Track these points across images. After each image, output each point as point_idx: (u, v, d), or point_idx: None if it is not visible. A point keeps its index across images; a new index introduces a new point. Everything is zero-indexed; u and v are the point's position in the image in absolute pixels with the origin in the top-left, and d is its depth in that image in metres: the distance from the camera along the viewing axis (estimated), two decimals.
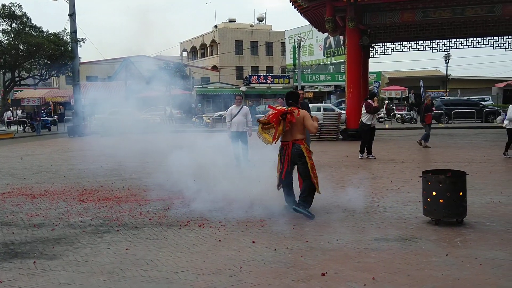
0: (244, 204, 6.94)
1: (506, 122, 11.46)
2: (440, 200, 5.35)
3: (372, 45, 21.42)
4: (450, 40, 21.99)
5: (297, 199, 6.29)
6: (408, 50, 22.42)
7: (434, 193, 5.40)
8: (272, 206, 6.66)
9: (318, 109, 27.63)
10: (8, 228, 5.82)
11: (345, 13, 16.84)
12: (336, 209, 6.46)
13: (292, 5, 17.09)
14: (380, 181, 8.59)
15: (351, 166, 10.83)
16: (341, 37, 43.89)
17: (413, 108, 31.94)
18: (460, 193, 5.38)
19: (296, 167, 6.36)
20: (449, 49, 22.53)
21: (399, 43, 22.03)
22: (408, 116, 28.83)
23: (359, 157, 12.02)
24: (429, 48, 22.44)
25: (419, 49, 22.59)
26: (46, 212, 6.66)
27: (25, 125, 30.26)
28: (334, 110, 25.64)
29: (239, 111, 10.83)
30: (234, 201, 7.13)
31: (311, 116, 6.56)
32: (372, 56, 22.03)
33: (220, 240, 5.11)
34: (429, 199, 5.48)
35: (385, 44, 21.96)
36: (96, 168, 11.52)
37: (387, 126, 26.17)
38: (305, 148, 6.16)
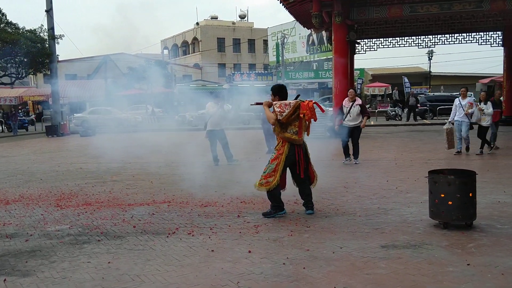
0: (234, 207, 6.51)
1: (487, 118, 11.30)
2: (449, 202, 4.98)
3: (358, 41, 21.16)
4: (436, 36, 21.91)
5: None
6: (394, 46, 22.27)
7: (442, 195, 5.03)
8: (264, 208, 6.23)
9: None
10: None
11: (331, 8, 16.47)
12: (334, 212, 6.06)
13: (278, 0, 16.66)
14: (376, 181, 8.22)
15: (342, 165, 10.45)
16: (325, 34, 43.66)
17: (398, 104, 31.87)
18: (470, 194, 5.02)
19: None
20: (434, 45, 22.49)
21: (385, 39, 21.84)
22: (393, 112, 28.68)
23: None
24: (415, 44, 22.36)
25: (405, 45, 22.49)
26: (20, 220, 6.10)
27: (1, 125, 29.26)
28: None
29: (216, 110, 10.70)
30: (223, 204, 6.70)
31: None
32: (357, 52, 21.79)
33: (212, 250, 4.65)
34: (436, 201, 5.11)
35: (371, 40, 21.74)
36: (75, 170, 10.92)
37: (372, 123, 25.95)
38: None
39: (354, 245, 4.66)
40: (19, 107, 42.97)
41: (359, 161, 10.46)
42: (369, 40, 21.62)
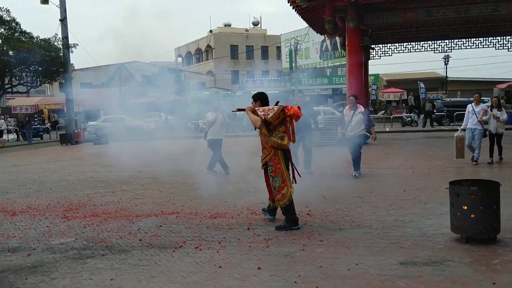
0: (245, 218, 6.27)
1: (503, 125, 10.83)
2: (472, 215, 4.68)
3: (372, 46, 20.85)
4: (452, 40, 21.48)
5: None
6: (409, 51, 21.91)
7: (464, 207, 4.73)
8: (275, 220, 5.98)
9: (317, 113, 26.94)
10: None
11: (345, 13, 16.22)
12: (349, 224, 5.77)
13: (291, 5, 16.43)
14: (392, 190, 7.91)
15: None
16: (338, 40, 43.39)
17: (414, 110, 31.36)
18: (494, 207, 4.71)
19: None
20: (451, 49, 22.01)
21: (400, 44, 21.50)
22: (409, 118, 28.20)
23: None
24: (430, 49, 21.93)
25: (421, 50, 22.09)
26: (24, 233, 5.94)
27: (16, 133, 29.47)
28: (334, 114, 24.99)
29: (216, 119, 10.72)
30: (233, 215, 6.47)
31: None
32: (372, 57, 21.46)
33: (220, 266, 4.41)
34: (458, 214, 4.81)
35: (386, 45, 21.41)
36: (85, 179, 10.80)
37: (387, 129, 25.54)
38: None
39: (370, 261, 4.38)
40: (35, 116, 43.44)
41: (359, 174, 9.39)
42: (383, 45, 21.29)
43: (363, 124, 9.44)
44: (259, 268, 4.31)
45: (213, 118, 10.74)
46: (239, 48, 55.64)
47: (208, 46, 56.21)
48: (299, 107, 5.83)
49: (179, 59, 63.51)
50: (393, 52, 21.64)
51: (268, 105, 5.97)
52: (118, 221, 6.39)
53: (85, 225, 6.22)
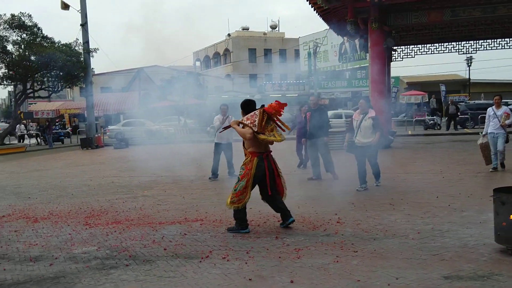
0: (271, 226, 6.02)
1: None
2: None
3: (394, 48, 20.43)
4: (477, 41, 20.92)
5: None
6: (432, 52, 21.38)
7: (511, 217, 4.40)
8: (304, 229, 5.72)
9: (339, 116, 26.62)
10: None
11: (367, 14, 15.87)
12: (383, 233, 5.48)
13: (312, 7, 16.17)
14: (424, 197, 7.57)
15: (384, 178, 9.77)
16: (357, 42, 42.90)
17: (436, 113, 30.73)
18: None
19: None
20: (476, 50, 21.40)
21: (423, 45, 21.02)
22: (432, 121, 27.59)
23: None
24: (455, 50, 21.40)
25: (444, 51, 21.56)
26: (46, 241, 5.79)
27: (37, 138, 29.75)
28: None
29: (223, 122, 10.32)
30: (259, 223, 6.23)
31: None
32: (394, 59, 21.02)
33: (250, 279, 4.17)
34: (504, 224, 4.48)
35: (408, 46, 20.95)
36: (106, 184, 10.69)
37: (410, 132, 25.03)
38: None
39: (411, 275, 4.09)
40: (56, 120, 43.94)
41: (380, 183, 8.72)
42: (406, 46, 20.83)
43: (374, 130, 8.37)
44: (292, 282, 4.05)
45: (219, 122, 10.42)
46: (257, 52, 55.50)
47: (226, 49, 56.22)
48: (278, 102, 5.90)
49: (198, 63, 63.67)
50: (416, 53, 21.15)
51: (254, 110, 5.95)
52: (141, 229, 6.20)
53: (107, 233, 6.05)
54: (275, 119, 5.87)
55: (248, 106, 6.08)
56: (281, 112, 5.90)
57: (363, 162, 8.48)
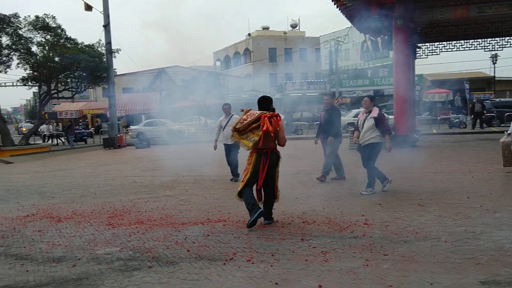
0: (296, 227, 5.87)
1: None
2: None
3: (418, 45, 20.01)
4: (504, 38, 20.33)
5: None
6: (457, 49, 20.88)
7: None
8: (330, 230, 5.55)
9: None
10: (22, 264, 4.91)
11: (392, 10, 15.55)
12: (413, 236, 5.26)
13: (334, 4, 15.92)
14: (454, 197, 7.31)
15: (411, 178, 9.54)
16: (380, 40, 42.26)
17: (462, 111, 30.06)
18: None
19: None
20: (502, 47, 20.79)
21: (448, 42, 20.54)
22: (457, 120, 26.98)
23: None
24: (481, 47, 20.81)
25: (470, 48, 21.01)
26: (69, 241, 5.75)
27: (61, 138, 30.13)
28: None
29: (227, 122, 10.13)
30: (283, 224, 6.08)
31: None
32: (419, 56, 20.59)
33: (276, 283, 4.02)
34: None
35: (433, 43, 20.50)
36: (129, 184, 10.68)
37: (434, 131, 24.53)
38: (280, 157, 6.19)
39: (446, 280, 3.88)
40: (80, 120, 44.57)
41: (369, 192, 7.88)
42: (431, 43, 20.38)
43: (376, 131, 7.89)
44: (320, 287, 3.89)
45: (224, 122, 10.20)
46: (278, 51, 55.27)
47: (247, 49, 56.16)
48: (275, 120, 5.92)
49: (218, 63, 63.81)
50: (441, 50, 20.71)
51: (268, 109, 6.16)
52: (164, 229, 6.12)
53: (130, 233, 5.98)
54: (261, 131, 5.87)
55: (261, 102, 6.24)
56: (267, 130, 5.85)
57: (367, 162, 8.07)
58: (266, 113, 5.98)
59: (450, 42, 20.62)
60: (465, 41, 20.71)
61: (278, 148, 6.23)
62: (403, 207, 6.74)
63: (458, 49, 20.88)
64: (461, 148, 15.34)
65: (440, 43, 20.40)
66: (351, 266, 4.35)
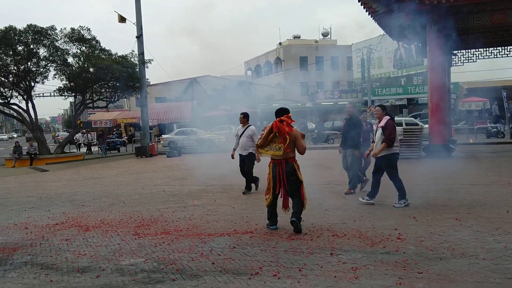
0: (325, 241, 5.65)
1: None
2: None
3: (454, 52, 19.45)
4: None
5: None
6: (495, 56, 20.18)
7: None
8: (361, 245, 5.31)
9: (398, 124, 25.70)
10: (47, 273, 4.90)
11: (426, 17, 15.14)
12: (450, 252, 4.97)
13: (366, 11, 15.67)
14: (493, 211, 6.93)
15: (447, 190, 9.15)
16: (413, 47, 41.40)
17: (500, 120, 29.04)
18: None
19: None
20: None
21: (485, 49, 19.86)
22: (495, 129, 26.06)
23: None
24: None
25: (508, 55, 20.27)
26: (95, 251, 5.72)
27: (93, 147, 30.73)
28: (417, 125, 23.65)
29: (243, 132, 9.87)
30: (312, 237, 5.87)
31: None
32: (454, 64, 20.00)
33: None
34: None
35: (469, 50, 19.87)
36: (158, 193, 10.69)
37: (471, 141, 23.73)
38: (297, 166, 6.33)
39: None
40: (114, 129, 45.49)
41: (402, 204, 7.62)
42: (467, 50, 19.76)
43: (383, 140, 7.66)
44: None
45: (240, 132, 9.96)
46: (309, 59, 55.03)
47: (278, 58, 56.15)
48: (284, 123, 6.20)
49: (249, 72, 64.07)
50: (477, 58, 20.04)
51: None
52: (190, 240, 6.02)
53: (156, 244, 5.91)
54: (278, 133, 6.19)
55: (278, 114, 6.42)
56: (282, 133, 6.16)
57: (388, 175, 7.81)
58: (275, 122, 6.25)
59: (487, 49, 19.95)
60: (503, 47, 20.00)
61: (300, 157, 6.39)
62: (439, 221, 6.43)
63: (495, 56, 20.18)
64: (499, 159, 14.72)
65: (477, 50, 19.75)
66: (383, 284, 4.12)
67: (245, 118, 10.02)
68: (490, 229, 5.83)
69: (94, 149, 30.91)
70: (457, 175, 11.11)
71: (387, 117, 7.84)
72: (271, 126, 6.25)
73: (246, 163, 9.82)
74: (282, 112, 6.39)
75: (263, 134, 6.37)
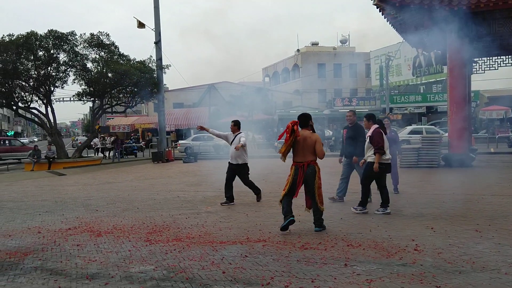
0: (340, 251, 5.49)
1: None
2: None
3: (475, 59, 19.06)
4: None
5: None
6: None
7: None
8: (376, 256, 5.14)
9: (418, 132, 25.41)
10: (56, 279, 4.84)
11: (446, 23, 14.88)
12: (469, 265, 4.76)
13: (384, 18, 15.49)
14: None
15: (467, 200, 8.90)
16: (433, 55, 40.93)
17: None
18: None
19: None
20: None
21: (507, 56, 19.42)
22: None
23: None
24: None
25: None
26: (106, 257, 5.66)
27: (110, 151, 30.94)
28: (438, 133, 23.29)
29: (233, 140, 9.49)
30: (326, 247, 5.72)
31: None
32: (475, 72, 19.60)
33: None
34: None
35: (491, 58, 19.45)
36: (172, 199, 10.64)
37: (492, 150, 23.23)
38: (318, 169, 6.67)
39: None
40: (131, 134, 45.88)
41: (361, 211, 7.89)
42: (488, 58, 19.35)
43: (372, 149, 7.84)
44: None
45: (230, 139, 9.58)
46: (327, 66, 54.79)
47: (296, 65, 56.06)
48: (293, 125, 6.60)
49: (267, 79, 64.08)
50: (499, 65, 19.60)
51: (307, 125, 6.81)
52: (201, 248, 5.91)
53: (167, 251, 5.82)
54: (295, 141, 6.66)
55: (300, 119, 6.84)
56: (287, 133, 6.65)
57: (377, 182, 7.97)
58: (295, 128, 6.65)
59: (510, 56, 19.51)
60: None
61: (319, 161, 6.66)
62: (458, 232, 6.21)
63: None
64: None
65: (499, 57, 19.33)
66: None
67: (235, 126, 9.66)
68: None
69: (110, 154, 31.14)
70: (477, 185, 10.83)
71: (375, 126, 7.98)
72: (291, 134, 6.57)
73: (241, 176, 9.55)
74: (304, 118, 6.83)
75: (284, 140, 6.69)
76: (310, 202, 6.76)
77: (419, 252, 5.30)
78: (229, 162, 9.63)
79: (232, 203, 9.41)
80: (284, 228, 6.55)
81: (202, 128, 10.15)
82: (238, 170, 9.53)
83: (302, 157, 6.63)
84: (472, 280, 4.32)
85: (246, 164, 9.54)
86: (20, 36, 22.72)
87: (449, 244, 5.60)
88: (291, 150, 6.72)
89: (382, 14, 15.36)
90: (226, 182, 9.55)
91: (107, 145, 31.34)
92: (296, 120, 6.78)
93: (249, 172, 9.66)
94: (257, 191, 9.80)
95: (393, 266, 4.83)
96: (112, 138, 30.78)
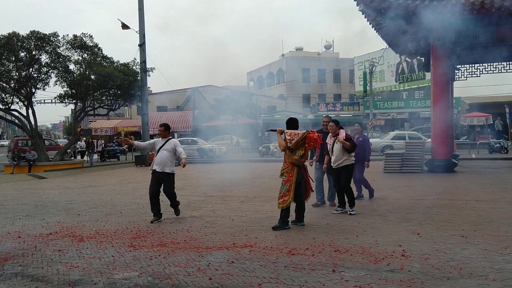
0: (327, 257, 5.45)
1: None
2: None
3: (457, 66, 19.32)
4: None
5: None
6: (499, 71, 20.00)
7: None
8: (364, 261, 5.11)
9: (401, 137, 25.64)
10: (37, 286, 4.68)
11: (430, 30, 15.03)
12: (457, 272, 4.75)
13: (370, 24, 15.59)
14: (501, 229, 6.72)
15: (451, 205, 8.96)
16: (416, 62, 41.55)
17: (503, 136, 28.88)
18: None
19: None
20: None
21: (489, 64, 19.72)
22: (498, 145, 25.86)
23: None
24: None
25: None
26: (88, 263, 5.51)
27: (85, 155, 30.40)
28: (421, 139, 23.52)
29: (163, 145, 8.39)
30: (314, 252, 5.67)
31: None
32: (457, 78, 19.85)
33: None
34: None
35: (473, 65, 19.73)
36: None
37: (473, 156, 23.55)
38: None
39: None
40: (114, 137, 45.34)
41: (355, 212, 8.25)
42: (471, 65, 19.62)
43: (346, 153, 8.30)
44: None
45: (159, 145, 8.44)
46: (311, 72, 55.07)
47: (280, 69, 56.21)
48: (319, 136, 7.38)
49: (251, 83, 64.11)
50: (481, 72, 19.89)
51: (296, 129, 7.36)
52: (187, 253, 5.81)
53: (151, 257, 5.69)
54: (307, 146, 7.20)
55: (290, 122, 7.45)
56: (315, 146, 7.42)
57: (338, 184, 8.53)
58: (309, 132, 7.22)
59: (492, 63, 19.81)
60: (508, 62, 19.87)
61: None
62: (444, 238, 6.22)
63: (500, 71, 20.00)
64: (504, 175, 14.52)
65: (481, 64, 19.62)
66: None
67: (166, 131, 8.60)
68: (499, 248, 5.62)
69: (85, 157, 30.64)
70: (461, 191, 10.93)
71: (343, 130, 8.50)
72: (304, 136, 7.09)
73: (167, 185, 8.40)
74: (294, 122, 7.41)
75: (290, 139, 7.07)
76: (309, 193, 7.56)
77: (407, 258, 5.28)
78: (154, 170, 8.39)
79: (161, 220, 8.30)
80: (276, 228, 7.11)
81: (126, 142, 9.76)
82: (164, 179, 8.38)
83: (305, 157, 7.33)
84: (461, 287, 4.31)
85: (174, 174, 8.57)
86: (1, 36, 22.25)
87: (436, 250, 5.60)
88: (295, 152, 7.14)
89: (368, 20, 15.45)
90: (152, 196, 8.39)
91: (78, 149, 30.78)
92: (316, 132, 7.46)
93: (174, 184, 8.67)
94: (177, 202, 8.70)
95: (381, 272, 4.80)
96: (83, 141, 30.24)
